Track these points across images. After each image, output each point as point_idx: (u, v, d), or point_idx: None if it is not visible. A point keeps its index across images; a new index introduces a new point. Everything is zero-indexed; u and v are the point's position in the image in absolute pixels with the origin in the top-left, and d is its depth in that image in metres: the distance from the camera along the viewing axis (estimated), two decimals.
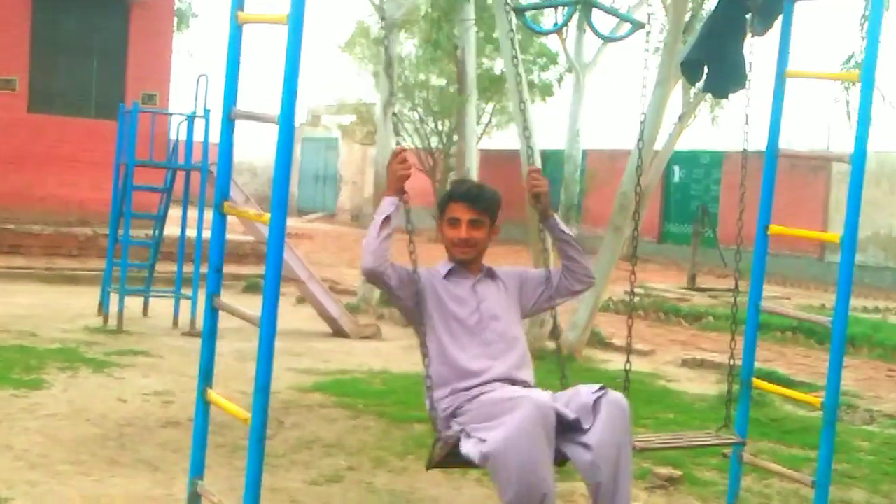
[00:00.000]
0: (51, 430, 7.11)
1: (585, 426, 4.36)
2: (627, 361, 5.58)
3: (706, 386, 10.16)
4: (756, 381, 5.60)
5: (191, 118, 12.08)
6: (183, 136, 12.18)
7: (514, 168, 13.19)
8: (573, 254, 4.95)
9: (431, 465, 4.60)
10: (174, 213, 12.81)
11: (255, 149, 36.59)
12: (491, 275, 4.90)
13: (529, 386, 4.73)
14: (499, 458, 4.14)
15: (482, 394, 4.52)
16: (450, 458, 4.50)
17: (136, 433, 7.22)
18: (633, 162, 11.28)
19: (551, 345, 11.52)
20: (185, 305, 11.91)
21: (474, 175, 13.72)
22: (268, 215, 4.06)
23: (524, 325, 4.98)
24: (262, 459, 4.06)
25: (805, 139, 24.92)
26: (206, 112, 11.93)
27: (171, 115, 14.21)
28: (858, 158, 4.91)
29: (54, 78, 19.50)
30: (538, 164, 12.28)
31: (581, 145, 30.28)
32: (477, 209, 4.79)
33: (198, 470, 4.57)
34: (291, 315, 13.11)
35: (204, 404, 4.53)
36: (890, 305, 19.15)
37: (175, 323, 11.94)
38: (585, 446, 4.35)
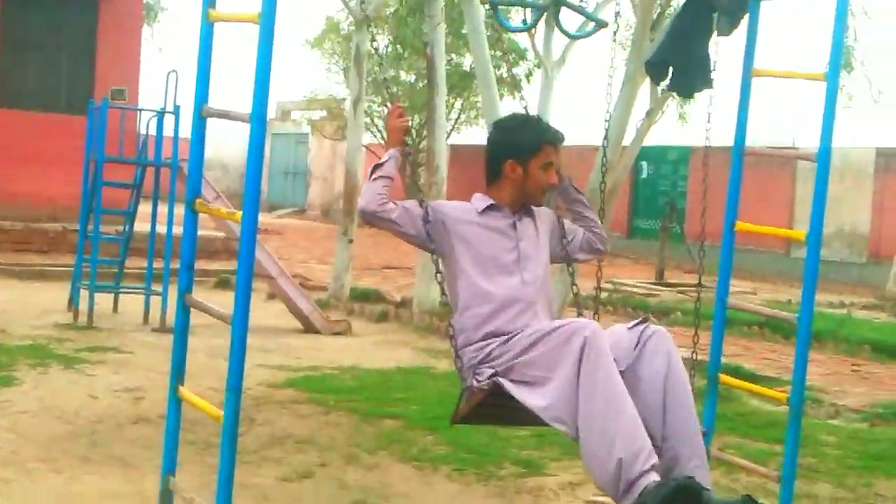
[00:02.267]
0: (21, 428, 7.12)
1: (627, 360, 4.13)
2: None
3: None
4: (723, 377, 5.67)
5: (160, 114, 12.07)
6: (153, 132, 12.18)
7: (482, 162, 13.24)
8: (590, 215, 4.86)
9: (456, 420, 4.36)
10: (144, 209, 12.79)
11: (225, 144, 36.51)
12: (529, 212, 4.65)
13: None
14: (568, 409, 3.89)
15: (518, 333, 4.22)
16: (480, 410, 4.26)
17: (107, 430, 7.24)
18: (600, 160, 11.35)
19: None
20: (155, 301, 11.91)
21: (444, 171, 13.76)
22: (239, 214, 4.09)
23: None
24: (235, 458, 4.09)
25: (772, 134, 25.12)
26: (176, 108, 11.93)
27: (140, 110, 14.20)
28: (823, 157, 4.97)
29: (23, 73, 19.41)
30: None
31: None
32: (560, 145, 4.68)
33: (170, 466, 4.59)
34: (262, 311, 13.13)
35: (176, 402, 4.55)
36: (855, 300, 19.34)
37: (146, 319, 11.94)
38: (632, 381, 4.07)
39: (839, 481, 7.00)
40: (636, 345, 4.16)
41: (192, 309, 4.44)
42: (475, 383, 4.19)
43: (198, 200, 4.44)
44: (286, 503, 5.91)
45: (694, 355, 5.64)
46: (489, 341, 4.30)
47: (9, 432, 7.00)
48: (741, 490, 6.56)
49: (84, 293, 11.78)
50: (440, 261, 4.51)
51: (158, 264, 12.16)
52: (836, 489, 6.84)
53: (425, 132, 19.68)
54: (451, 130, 27.64)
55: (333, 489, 6.18)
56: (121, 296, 12.61)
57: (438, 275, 4.48)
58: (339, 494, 6.09)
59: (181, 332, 4.51)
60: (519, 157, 4.58)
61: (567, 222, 4.88)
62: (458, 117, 29.52)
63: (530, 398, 4.00)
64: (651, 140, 15.75)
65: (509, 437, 7.54)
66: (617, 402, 3.84)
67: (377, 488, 6.24)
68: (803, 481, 6.70)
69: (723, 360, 5.60)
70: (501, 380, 4.11)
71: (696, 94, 6.00)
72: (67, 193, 16.86)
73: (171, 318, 10.94)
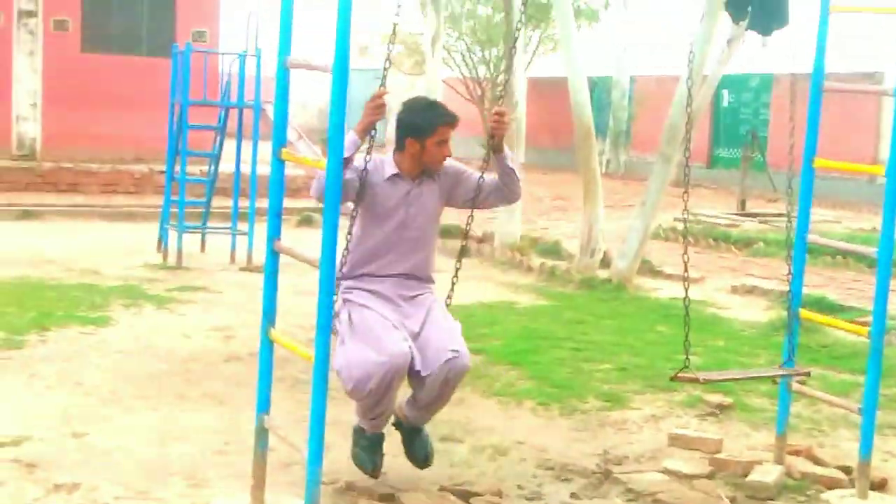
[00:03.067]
0: (119, 367, 7.38)
1: (424, 374, 5.04)
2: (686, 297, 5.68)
3: (756, 313, 10.26)
4: (804, 313, 5.72)
5: (242, 57, 12.23)
6: (234, 74, 12.34)
7: (562, 95, 13.22)
8: (509, 182, 5.43)
9: None
10: (228, 149, 13.00)
11: (303, 82, 36.65)
12: (430, 176, 5.34)
13: (423, 283, 5.33)
14: (348, 381, 4.97)
15: (377, 292, 5.18)
16: None
17: (201, 368, 7.47)
18: (682, 92, 11.31)
19: (602, 274, 11.69)
20: (241, 241, 12.13)
21: (523, 106, 13.78)
22: (324, 161, 4.22)
23: None
24: (326, 396, 4.26)
25: (856, 62, 24.63)
26: (258, 51, 12.08)
27: (222, 54, 14.35)
28: None
29: (106, 18, 19.69)
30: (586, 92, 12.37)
31: (628, 71, 30.23)
32: (453, 125, 5.28)
33: (264, 406, 4.78)
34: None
35: (268, 345, 4.73)
36: None
37: (232, 258, 12.18)
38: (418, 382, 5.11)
39: None
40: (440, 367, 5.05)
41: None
42: (338, 307, 5.13)
43: (283, 150, 4.58)
44: None
45: (789, 295, 5.68)
46: (354, 283, 5.23)
47: (107, 371, 7.25)
48: (823, 421, 6.63)
49: (172, 234, 12.03)
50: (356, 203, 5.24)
51: (244, 204, 12.39)
52: None
53: (503, 66, 19.69)
54: (529, 63, 27.50)
55: None
56: (208, 236, 12.85)
57: (353, 214, 5.23)
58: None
59: (271, 276, 4.67)
60: (418, 136, 5.26)
61: (477, 176, 5.44)
62: (536, 49, 29.33)
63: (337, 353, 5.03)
64: (732, 67, 15.57)
65: (592, 371, 7.66)
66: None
67: (463, 422, 6.39)
68: (886, 412, 6.74)
69: (807, 290, 5.65)
70: (336, 326, 5.09)
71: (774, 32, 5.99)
72: (151, 135, 17.13)
73: (257, 257, 11.17)
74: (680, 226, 17.17)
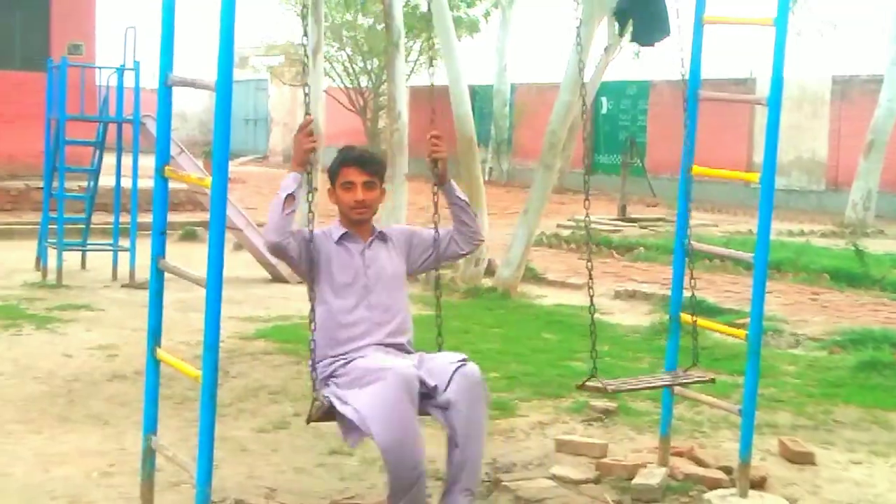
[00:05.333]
0: None
1: (441, 390, 4.70)
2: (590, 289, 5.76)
3: (639, 318, 10.45)
4: (684, 317, 5.86)
5: (120, 71, 12.06)
6: (113, 87, 12.16)
7: (445, 103, 13.31)
8: (465, 218, 5.15)
9: (310, 421, 4.82)
10: (107, 163, 12.81)
11: (183, 92, 36.29)
12: (382, 237, 5.08)
13: (406, 350, 5.00)
14: (371, 422, 4.48)
15: (357, 358, 4.78)
16: (327, 417, 4.77)
17: (84, 388, 7.34)
18: (562, 100, 11.49)
19: (487, 282, 11.79)
20: (123, 257, 11.97)
21: (405, 116, 13.82)
22: (209, 180, 4.20)
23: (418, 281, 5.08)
24: (215, 415, 4.22)
25: (729, 67, 25.24)
26: (136, 64, 11.92)
27: (100, 68, 14.12)
28: (774, 102, 5.11)
29: None
30: (467, 104, 12.47)
31: (509, 80, 30.53)
32: (368, 171, 4.97)
33: (151, 426, 4.73)
34: (230, 262, 12.97)
35: (155, 364, 4.68)
36: (814, 228, 19.63)
37: (114, 275, 12.01)
38: (442, 407, 4.71)
39: (799, 409, 7.23)
40: (450, 378, 4.70)
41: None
42: (321, 398, 4.71)
43: (167, 167, 4.55)
44: (265, 454, 6.05)
45: (692, 295, 5.81)
46: (335, 359, 4.84)
47: None
48: (705, 423, 6.79)
49: (52, 252, 11.82)
50: (310, 283, 4.91)
51: (125, 219, 12.21)
52: (796, 417, 7.07)
53: (384, 77, 19.71)
54: (411, 73, 27.60)
55: (309, 438, 6.31)
56: (89, 253, 12.66)
57: (312, 312, 4.79)
58: (314, 443, 6.22)
59: (156, 295, 4.63)
60: (332, 184, 5.03)
61: (432, 232, 5.20)
62: (417, 59, 29.47)
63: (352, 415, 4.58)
64: (609, 75, 15.83)
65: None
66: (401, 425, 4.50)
67: None
68: (764, 411, 6.93)
69: (686, 293, 5.79)
70: (338, 404, 4.66)
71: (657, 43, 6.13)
72: (27, 151, 16.84)
73: (140, 273, 11.02)
74: (564, 232, 17.45)
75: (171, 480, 5.34)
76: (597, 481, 5.68)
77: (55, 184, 12.09)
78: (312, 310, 4.75)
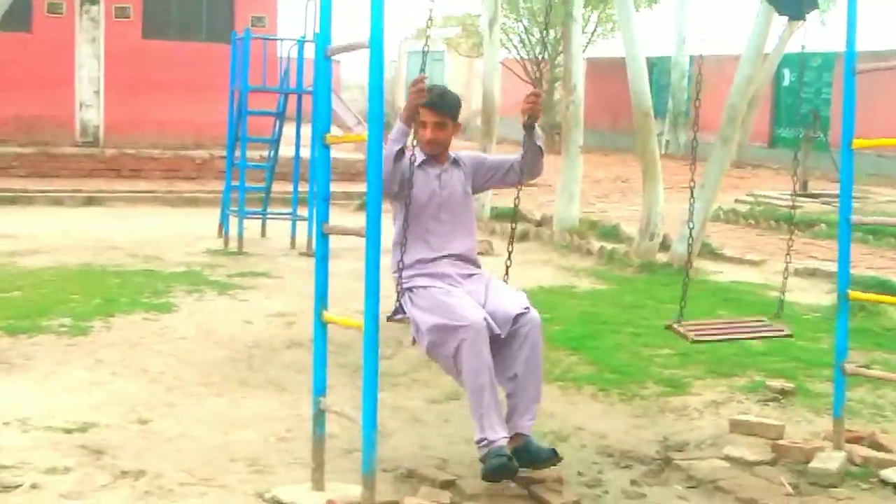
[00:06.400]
0: (182, 353, 7.47)
1: (504, 336, 5.18)
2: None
3: (819, 296, 10.15)
4: (853, 294, 5.67)
5: (301, 43, 12.28)
6: (293, 59, 12.40)
7: (621, 76, 13.14)
8: (535, 160, 5.65)
9: (389, 320, 5.32)
10: (287, 133, 13.08)
11: (361, 66, 36.76)
12: (455, 163, 5.64)
13: (473, 261, 5.59)
14: (458, 376, 5.16)
15: (435, 277, 5.35)
16: (403, 320, 5.37)
17: (263, 354, 7.54)
18: (742, 73, 11.23)
19: (662, 257, 11.64)
20: (301, 226, 12.21)
21: (581, 89, 13.72)
22: (366, 134, 4.33)
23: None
24: (377, 365, 4.31)
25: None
26: (316, 35, 12.09)
27: (281, 40, 14.42)
28: None
29: (166, 5, 19.89)
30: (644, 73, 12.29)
31: (688, 51, 29.98)
32: (440, 113, 5.50)
33: (321, 389, 4.85)
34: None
35: (322, 327, 4.79)
36: None
37: (293, 244, 12.28)
38: (504, 352, 5.21)
39: None
40: (513, 323, 5.19)
41: (331, 236, 4.70)
42: (398, 310, 5.34)
43: (327, 135, 4.69)
44: (436, 424, 6.11)
45: (788, 255, 5.77)
46: (415, 272, 5.36)
47: (170, 357, 7.35)
48: (887, 407, 6.57)
49: (233, 220, 12.14)
50: (396, 203, 5.45)
51: (303, 189, 12.45)
52: None
53: (560, 48, 19.61)
54: (587, 43, 27.36)
55: None
56: (268, 221, 12.96)
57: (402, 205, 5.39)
58: None
59: (322, 259, 4.78)
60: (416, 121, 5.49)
61: (499, 158, 5.88)
62: (595, 30, 29.19)
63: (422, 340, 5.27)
64: (793, 46, 15.39)
65: (651, 356, 7.63)
66: (481, 394, 5.04)
67: None
68: None
69: (871, 273, 5.60)
70: (415, 333, 5.33)
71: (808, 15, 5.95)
72: (212, 121, 17.30)
73: None
74: (741, 207, 17.10)
75: (344, 447, 5.44)
76: (772, 463, 5.56)
77: (237, 153, 12.40)
78: (399, 225, 5.33)
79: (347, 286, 9.46)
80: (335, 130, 10.69)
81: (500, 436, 5.02)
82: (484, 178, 5.76)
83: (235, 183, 12.27)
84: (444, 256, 5.46)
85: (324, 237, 4.76)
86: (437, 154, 5.57)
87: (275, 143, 13.05)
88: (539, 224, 14.35)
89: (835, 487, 5.26)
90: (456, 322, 5.06)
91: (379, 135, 4.40)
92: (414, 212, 5.34)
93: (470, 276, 5.48)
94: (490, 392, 5.05)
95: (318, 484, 4.86)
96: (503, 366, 5.20)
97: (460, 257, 5.53)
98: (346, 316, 5.31)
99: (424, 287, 5.33)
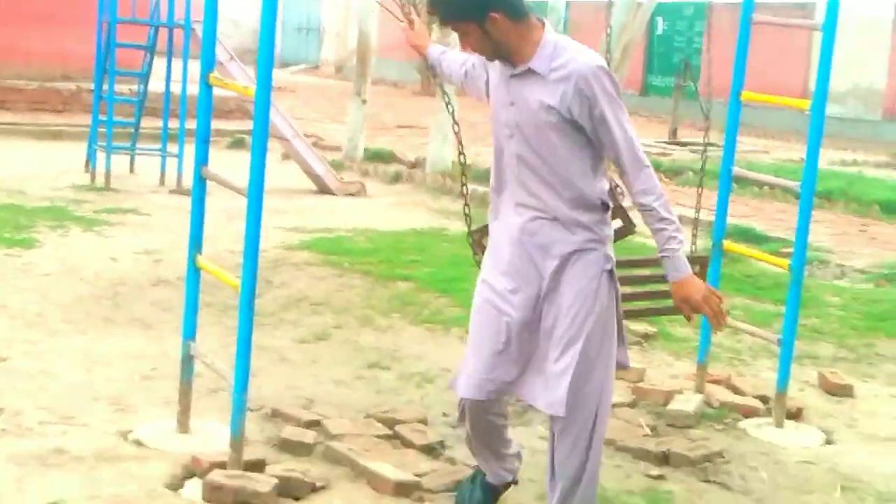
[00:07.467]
0: (45, 290, 7.31)
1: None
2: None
3: (685, 243, 10.35)
4: (726, 245, 5.82)
5: None
6: None
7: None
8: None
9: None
10: (157, 68, 12.82)
11: (237, 1, 36.11)
12: (532, 71, 3.87)
13: (567, 229, 3.99)
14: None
15: (497, 238, 4.07)
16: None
17: (129, 292, 7.42)
18: (616, 20, 11.34)
19: None
20: (171, 163, 12.02)
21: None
22: (253, 89, 4.19)
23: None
24: (252, 323, 4.27)
25: None
26: None
27: None
28: (829, 28, 5.03)
29: None
30: None
31: None
32: (450, 23, 3.98)
33: (190, 333, 4.79)
34: (276, 172, 13.16)
35: (195, 271, 4.73)
36: (868, 158, 19.35)
37: (162, 181, 12.08)
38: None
39: (841, 342, 7.19)
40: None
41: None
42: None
43: (211, 75, 4.54)
44: (303, 364, 6.10)
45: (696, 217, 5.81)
46: (493, 218, 4.15)
47: (33, 293, 7.19)
48: (745, 351, 6.77)
49: (100, 155, 11.89)
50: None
51: (173, 125, 12.24)
52: (837, 349, 7.03)
53: None
54: None
55: (348, 351, 6.37)
56: (137, 157, 12.73)
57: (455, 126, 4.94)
58: (353, 356, 6.28)
59: (198, 202, 4.66)
60: None
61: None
62: None
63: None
64: None
65: None
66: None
67: (391, 350, 6.44)
68: (805, 342, 6.90)
69: (734, 221, 5.74)
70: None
71: None
72: (80, 53, 16.85)
73: (187, 179, 11.05)
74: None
75: (210, 387, 5.40)
76: (632, 405, 5.69)
77: (105, 87, 12.13)
78: None
79: (217, 224, 9.38)
80: None
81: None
82: (587, 113, 3.90)
83: (103, 117, 12.00)
84: (511, 212, 4.06)
85: (201, 181, 4.63)
86: (503, 56, 3.93)
87: (144, 77, 12.78)
88: (413, 166, 14.36)
89: (691, 428, 5.41)
90: (467, 380, 4.19)
91: (267, 89, 4.08)
92: (493, 134, 4.09)
93: (548, 252, 3.98)
94: None
95: (184, 426, 4.82)
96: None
97: (538, 215, 3.98)
98: (215, 255, 5.26)
99: (483, 270, 4.13)
